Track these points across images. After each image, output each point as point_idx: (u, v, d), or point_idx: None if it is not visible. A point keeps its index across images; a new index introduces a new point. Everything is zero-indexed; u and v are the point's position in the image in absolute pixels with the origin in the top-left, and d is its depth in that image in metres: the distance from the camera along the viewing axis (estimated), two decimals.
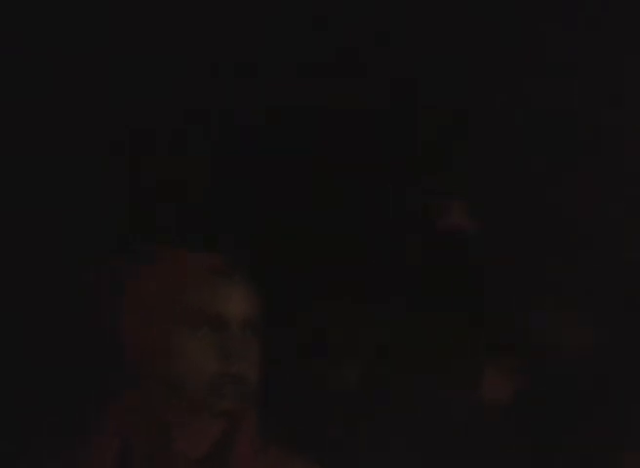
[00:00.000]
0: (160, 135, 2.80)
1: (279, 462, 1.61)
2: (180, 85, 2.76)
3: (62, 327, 2.54)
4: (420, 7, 2.70)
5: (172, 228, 2.75)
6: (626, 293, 2.34)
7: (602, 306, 2.38)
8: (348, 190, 2.70)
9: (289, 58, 2.74)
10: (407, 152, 2.67)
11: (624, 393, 1.95)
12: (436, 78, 2.65)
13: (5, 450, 2.15)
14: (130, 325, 1.60)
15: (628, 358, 2.13)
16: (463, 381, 2.10)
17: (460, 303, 2.26)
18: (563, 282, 2.40)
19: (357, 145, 2.69)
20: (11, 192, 2.72)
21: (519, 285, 2.38)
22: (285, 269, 2.61)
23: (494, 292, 2.30)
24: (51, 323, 2.56)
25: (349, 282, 2.58)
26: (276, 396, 1.68)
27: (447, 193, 2.54)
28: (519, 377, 2.11)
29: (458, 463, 1.98)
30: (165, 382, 1.56)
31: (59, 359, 2.52)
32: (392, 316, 2.42)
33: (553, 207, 2.55)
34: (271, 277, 2.45)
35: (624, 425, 1.95)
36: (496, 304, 2.28)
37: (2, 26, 2.66)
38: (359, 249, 2.62)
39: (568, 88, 2.45)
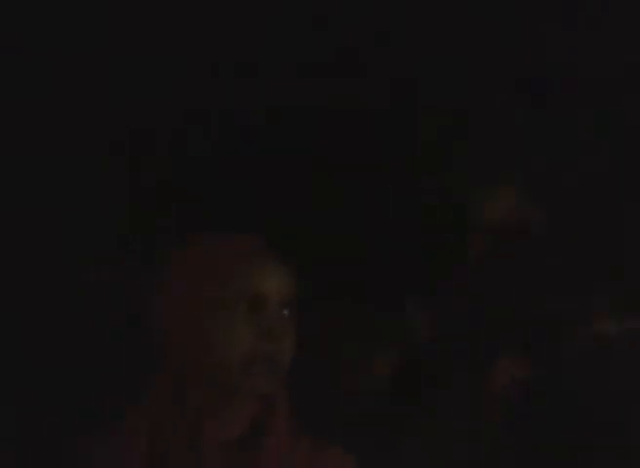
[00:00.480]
0: (160, 135, 2.80)
1: (311, 447, 1.63)
2: (179, 85, 2.76)
3: (72, 322, 2.55)
4: (419, 7, 2.70)
5: (172, 228, 2.75)
6: (626, 294, 2.35)
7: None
8: (348, 190, 2.70)
9: (289, 58, 2.74)
10: (407, 152, 2.67)
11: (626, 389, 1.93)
12: (436, 78, 2.65)
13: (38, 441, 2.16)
14: (167, 307, 1.61)
15: (629, 355, 2.13)
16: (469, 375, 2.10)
17: (461, 302, 2.26)
18: (564, 282, 2.40)
19: (357, 145, 2.69)
20: (11, 192, 2.72)
21: (520, 283, 2.38)
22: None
23: (495, 290, 2.30)
24: (57, 319, 2.57)
25: (349, 282, 2.58)
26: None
27: (447, 193, 2.54)
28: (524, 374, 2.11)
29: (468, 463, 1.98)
30: (200, 362, 1.57)
31: (78, 353, 2.53)
32: (392, 316, 2.42)
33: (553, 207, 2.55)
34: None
35: (625, 420, 1.93)
36: (497, 301, 2.28)
37: (2, 26, 2.66)
38: (359, 249, 2.62)
39: (568, 87, 2.45)
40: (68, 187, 2.74)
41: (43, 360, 2.55)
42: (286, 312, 1.61)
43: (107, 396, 2.00)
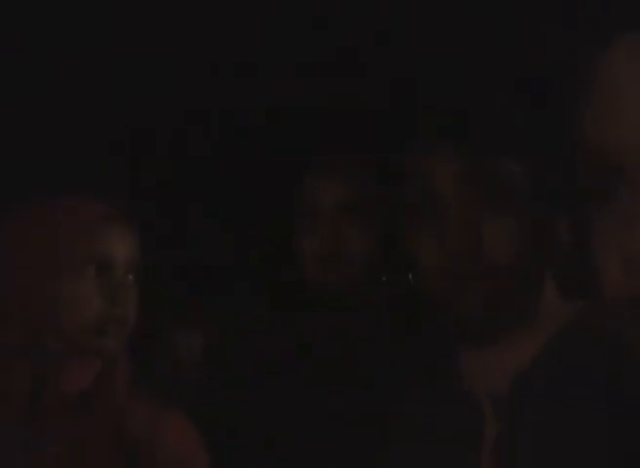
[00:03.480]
0: (160, 135, 2.80)
1: (150, 407, 1.69)
2: (180, 85, 2.76)
3: None
4: (419, 7, 2.70)
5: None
6: None
7: None
8: None
9: (289, 58, 2.74)
10: (407, 152, 2.66)
11: None
12: (436, 78, 2.64)
13: None
14: (19, 273, 1.64)
15: None
16: None
17: None
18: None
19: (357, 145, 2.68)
20: (10, 192, 2.71)
21: None
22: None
23: None
24: None
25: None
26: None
27: None
28: None
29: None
30: (53, 324, 1.61)
31: None
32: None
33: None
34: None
35: None
36: None
37: (2, 26, 2.66)
38: None
39: (568, 87, 2.44)
40: (68, 187, 2.74)
41: None
42: (131, 277, 1.65)
43: None
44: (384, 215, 1.92)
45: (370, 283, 1.96)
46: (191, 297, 2.58)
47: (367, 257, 1.94)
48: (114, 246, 1.67)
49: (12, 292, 1.64)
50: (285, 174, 2.06)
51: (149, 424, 1.66)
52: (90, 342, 1.63)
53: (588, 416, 1.23)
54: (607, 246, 0.80)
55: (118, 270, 1.67)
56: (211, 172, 2.75)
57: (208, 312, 2.51)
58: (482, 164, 1.34)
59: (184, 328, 2.52)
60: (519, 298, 1.32)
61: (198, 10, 2.71)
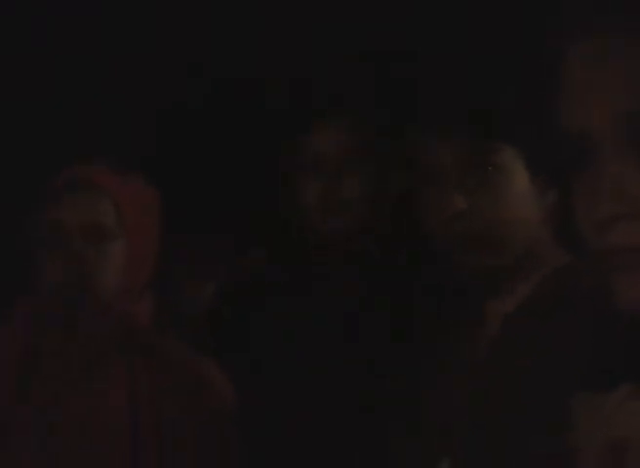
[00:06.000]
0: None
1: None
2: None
3: None
4: (419, 7, 2.71)
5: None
6: None
7: None
8: None
9: (287, 57, 2.74)
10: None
11: None
12: (436, 78, 2.64)
13: None
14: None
15: None
16: None
17: None
18: None
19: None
20: (11, 193, 2.73)
21: None
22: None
23: None
24: None
25: None
26: None
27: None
28: None
29: None
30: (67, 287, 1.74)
31: None
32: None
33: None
34: None
35: None
36: None
37: (2, 26, 2.68)
38: None
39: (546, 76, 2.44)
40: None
41: None
42: (95, 241, 1.74)
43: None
44: (385, 166, 1.95)
45: (371, 231, 1.97)
46: (198, 250, 2.58)
47: (367, 206, 1.95)
48: (66, 211, 1.70)
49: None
50: (288, 125, 2.07)
51: (191, 368, 1.78)
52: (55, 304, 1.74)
53: (564, 355, 1.33)
54: (582, 208, 0.92)
55: (75, 235, 1.71)
56: (214, 124, 2.74)
57: (214, 265, 2.52)
58: (479, 141, 1.49)
59: (192, 281, 2.53)
60: (516, 254, 1.47)
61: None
